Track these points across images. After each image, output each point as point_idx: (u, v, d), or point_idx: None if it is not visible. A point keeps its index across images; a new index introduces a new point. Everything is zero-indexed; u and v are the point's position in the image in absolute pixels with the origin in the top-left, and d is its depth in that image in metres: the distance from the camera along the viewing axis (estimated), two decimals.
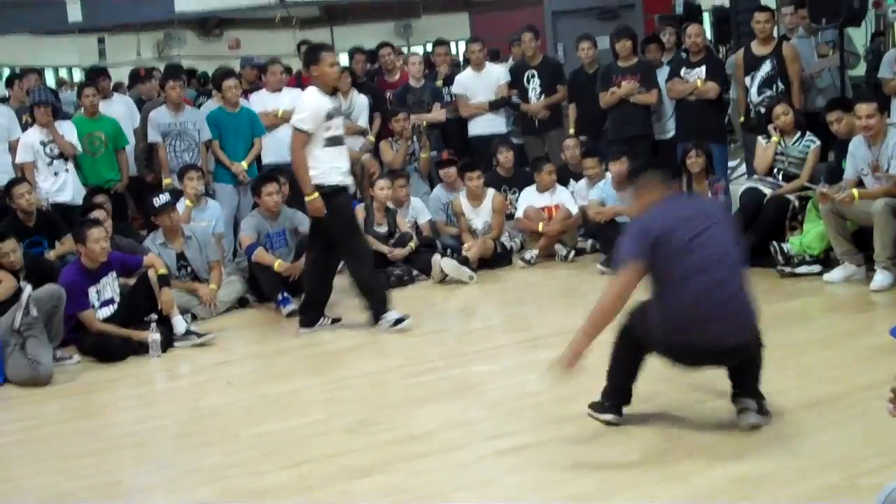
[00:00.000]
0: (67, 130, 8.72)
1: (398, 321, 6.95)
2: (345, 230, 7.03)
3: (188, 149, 9.11)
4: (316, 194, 6.83)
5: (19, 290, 6.82)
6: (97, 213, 7.76)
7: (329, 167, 6.89)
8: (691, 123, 9.37)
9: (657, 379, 4.90)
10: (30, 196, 7.96)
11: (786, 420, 4.68)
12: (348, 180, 7.11)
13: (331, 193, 6.88)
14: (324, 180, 6.86)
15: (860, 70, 10.74)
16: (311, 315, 7.20)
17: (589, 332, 4.40)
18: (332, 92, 7.03)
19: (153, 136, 9.17)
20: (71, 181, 8.74)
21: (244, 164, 9.21)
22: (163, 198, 7.98)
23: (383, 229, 8.86)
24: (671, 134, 9.76)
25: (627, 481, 4.11)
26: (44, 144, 8.59)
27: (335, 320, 7.24)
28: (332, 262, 7.22)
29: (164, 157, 9.09)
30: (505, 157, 9.69)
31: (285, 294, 7.78)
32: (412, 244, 8.86)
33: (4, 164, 8.61)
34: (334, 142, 6.94)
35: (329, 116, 6.88)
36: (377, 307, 7.04)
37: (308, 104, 6.91)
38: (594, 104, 9.84)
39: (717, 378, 4.73)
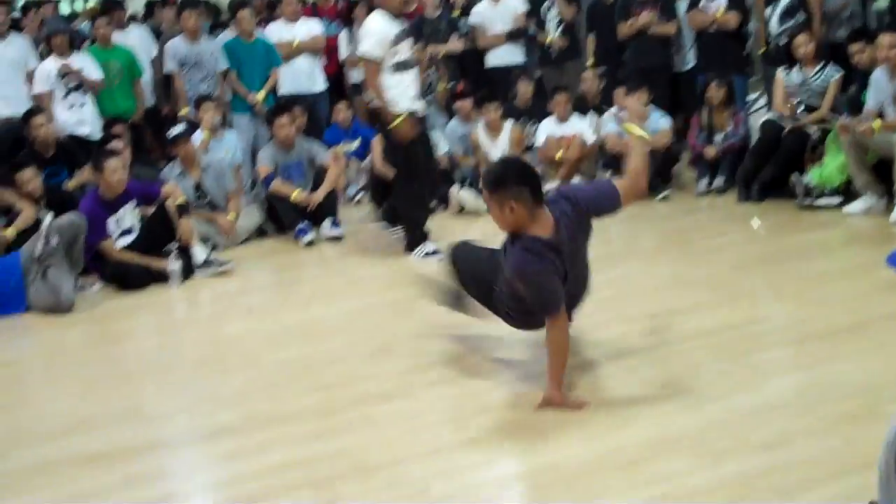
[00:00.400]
0: (86, 62, 8.68)
1: (433, 252, 7.00)
2: (409, 155, 7.03)
3: (205, 79, 9.09)
4: (401, 117, 6.83)
5: (40, 220, 6.86)
6: (115, 143, 7.76)
7: (397, 93, 6.82)
8: (711, 54, 9.27)
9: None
10: (48, 126, 7.96)
11: (805, 350, 4.70)
12: (417, 105, 7.00)
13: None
14: (393, 107, 6.80)
15: (883, 1, 10.58)
16: (416, 237, 7.17)
17: (557, 378, 4.24)
18: (398, 15, 6.92)
19: (170, 65, 9.13)
20: (90, 114, 8.72)
21: (261, 94, 9.18)
22: (178, 128, 7.99)
23: None
24: (691, 65, 9.67)
25: (646, 407, 4.13)
26: (61, 75, 8.56)
27: (435, 252, 7.06)
28: (423, 181, 7.16)
29: (181, 87, 9.07)
30: (524, 89, 9.63)
31: (304, 224, 7.80)
32: None
33: (21, 95, 8.58)
34: (403, 66, 6.84)
35: (396, 41, 6.78)
36: (419, 237, 7.11)
37: (373, 30, 6.79)
38: (613, 35, 9.74)
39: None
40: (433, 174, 7.14)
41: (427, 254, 6.99)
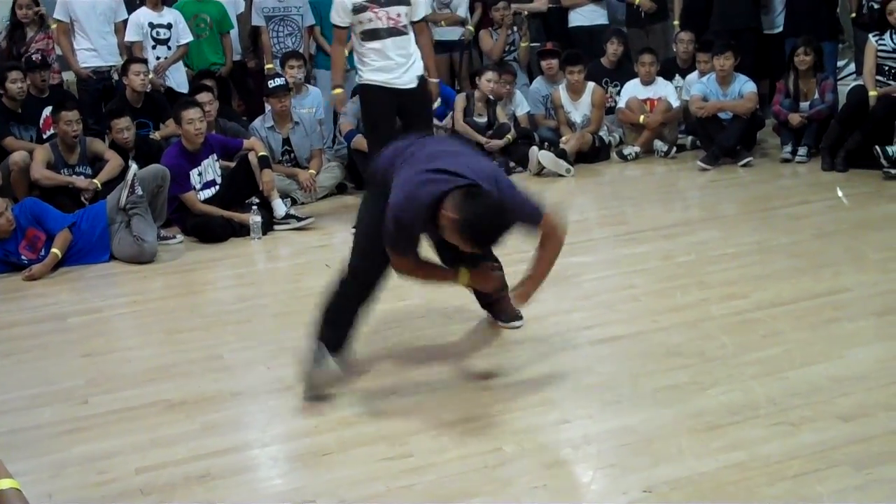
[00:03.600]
0: (176, 18, 8.75)
1: None
2: (367, 128, 6.96)
3: (291, 34, 9.12)
4: (337, 90, 7.02)
5: (125, 169, 6.98)
6: (202, 95, 7.82)
7: (363, 62, 6.67)
8: (801, 18, 9.08)
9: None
10: (145, 76, 8.06)
11: (887, 321, 4.65)
12: (382, 77, 6.61)
13: (362, 91, 6.80)
14: (360, 76, 6.72)
15: None
16: None
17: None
18: None
19: (257, 19, 9.16)
20: (175, 67, 8.81)
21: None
22: (278, 80, 8.03)
23: (482, 120, 8.83)
24: (779, 29, 9.48)
25: (724, 374, 4.10)
26: (152, 26, 8.63)
27: None
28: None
29: (268, 41, 9.10)
30: (614, 49, 9.52)
31: None
32: (510, 136, 8.84)
33: (110, 46, 8.67)
34: (370, 35, 6.58)
35: (358, 9, 6.52)
36: None
37: None
38: None
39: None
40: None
41: None
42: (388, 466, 3.49)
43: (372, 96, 6.71)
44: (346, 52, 7.19)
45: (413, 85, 6.63)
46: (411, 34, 6.67)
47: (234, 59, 9.42)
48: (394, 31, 6.58)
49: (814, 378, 4.00)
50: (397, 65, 6.60)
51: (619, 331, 4.70)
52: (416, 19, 6.67)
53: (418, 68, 6.68)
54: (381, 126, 6.69)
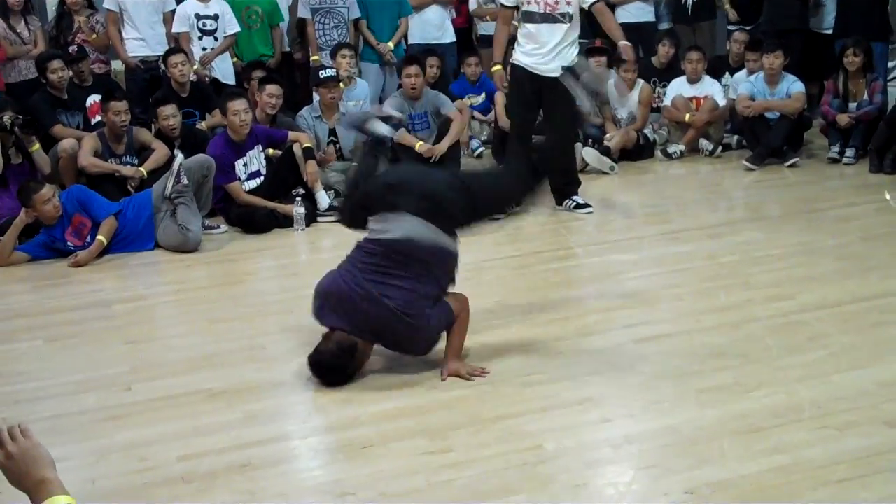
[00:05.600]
0: (224, 9, 8.78)
1: (583, 205, 7.07)
2: (511, 109, 7.19)
3: (337, 26, 9.13)
4: (496, 66, 7.13)
5: (171, 159, 7.02)
6: (271, 87, 7.73)
7: (519, 44, 6.93)
8: (852, 18, 8.99)
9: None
10: (184, 67, 8.11)
11: None
12: (528, 60, 6.83)
13: (511, 70, 7.02)
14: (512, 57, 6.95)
15: None
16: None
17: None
18: None
19: (303, 11, 9.18)
20: (222, 58, 8.85)
21: (390, 44, 9.20)
22: (329, 71, 8.05)
23: None
24: (830, 30, 9.38)
25: (768, 376, 4.06)
26: (198, 17, 8.69)
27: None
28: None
29: (313, 34, 9.12)
30: (666, 50, 9.43)
31: None
32: None
33: (158, 36, 8.74)
34: (527, 18, 6.80)
35: None
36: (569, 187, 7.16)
37: None
38: None
39: None
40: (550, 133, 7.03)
41: (579, 206, 7.11)
42: (429, 461, 3.49)
43: (517, 78, 6.95)
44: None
45: (555, 74, 6.58)
46: (572, 24, 6.75)
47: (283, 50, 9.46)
48: (548, 17, 6.72)
49: (859, 382, 3.95)
50: (545, 51, 6.74)
51: (662, 330, 4.67)
52: (585, 6, 6.77)
53: (567, 58, 6.70)
54: (521, 110, 7.02)
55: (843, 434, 3.51)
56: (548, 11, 6.68)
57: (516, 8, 6.85)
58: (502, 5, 6.98)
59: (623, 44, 6.90)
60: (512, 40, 7.22)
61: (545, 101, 6.87)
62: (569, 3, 6.66)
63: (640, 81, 9.07)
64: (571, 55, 6.71)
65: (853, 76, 8.36)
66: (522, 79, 6.89)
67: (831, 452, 3.38)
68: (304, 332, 4.90)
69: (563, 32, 6.71)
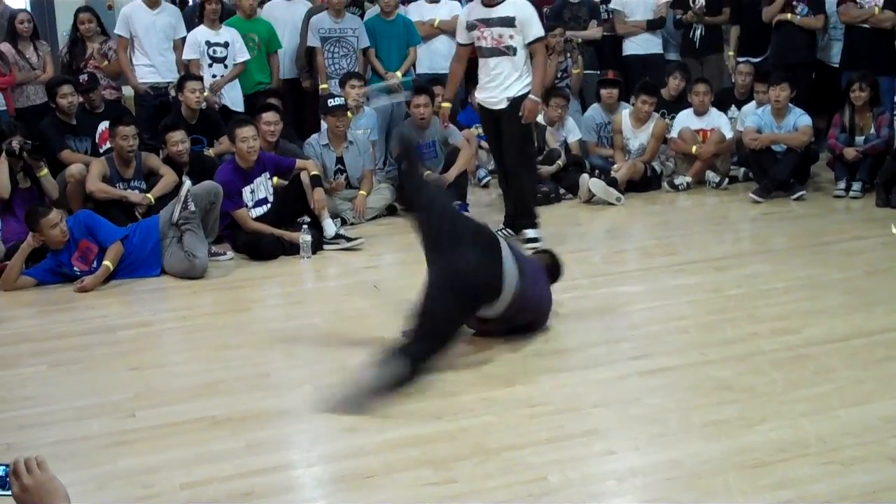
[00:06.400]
0: (234, 37, 8.80)
1: (533, 239, 7.08)
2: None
3: (346, 55, 9.15)
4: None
5: (179, 185, 7.04)
6: (268, 115, 7.77)
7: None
8: (860, 52, 9.01)
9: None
10: (200, 93, 8.15)
11: None
12: (481, 95, 7.10)
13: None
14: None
15: None
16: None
17: None
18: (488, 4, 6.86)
19: (312, 40, 9.19)
20: (230, 86, 8.87)
21: (399, 73, 9.23)
22: (337, 100, 8.08)
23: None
24: (836, 61, 9.40)
25: (774, 410, 4.05)
26: (209, 45, 8.72)
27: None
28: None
29: (322, 62, 9.14)
30: (677, 83, 9.44)
31: None
32: (560, 162, 8.84)
33: (168, 63, 8.78)
34: (480, 53, 6.99)
35: (470, 27, 6.94)
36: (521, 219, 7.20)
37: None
38: (759, 22, 9.58)
39: None
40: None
41: (530, 240, 7.10)
42: (432, 492, 3.48)
43: (481, 114, 7.27)
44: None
45: (503, 106, 6.90)
46: (517, 56, 6.84)
47: (290, 77, 9.48)
48: (495, 51, 6.87)
49: (865, 417, 3.94)
50: (494, 84, 6.93)
51: (667, 362, 4.66)
52: (528, 42, 6.83)
53: (515, 89, 6.86)
54: (493, 146, 7.34)
55: (849, 469, 3.50)
56: (494, 46, 6.85)
57: (471, 45, 7.05)
58: (458, 43, 7.20)
59: (531, 98, 6.90)
60: None
61: (501, 133, 7.08)
62: (511, 38, 6.80)
63: (656, 115, 9.09)
64: (518, 88, 6.86)
65: (860, 110, 8.38)
66: (482, 114, 7.26)
67: (836, 487, 3.36)
68: (309, 360, 4.93)
69: (511, 64, 6.86)
